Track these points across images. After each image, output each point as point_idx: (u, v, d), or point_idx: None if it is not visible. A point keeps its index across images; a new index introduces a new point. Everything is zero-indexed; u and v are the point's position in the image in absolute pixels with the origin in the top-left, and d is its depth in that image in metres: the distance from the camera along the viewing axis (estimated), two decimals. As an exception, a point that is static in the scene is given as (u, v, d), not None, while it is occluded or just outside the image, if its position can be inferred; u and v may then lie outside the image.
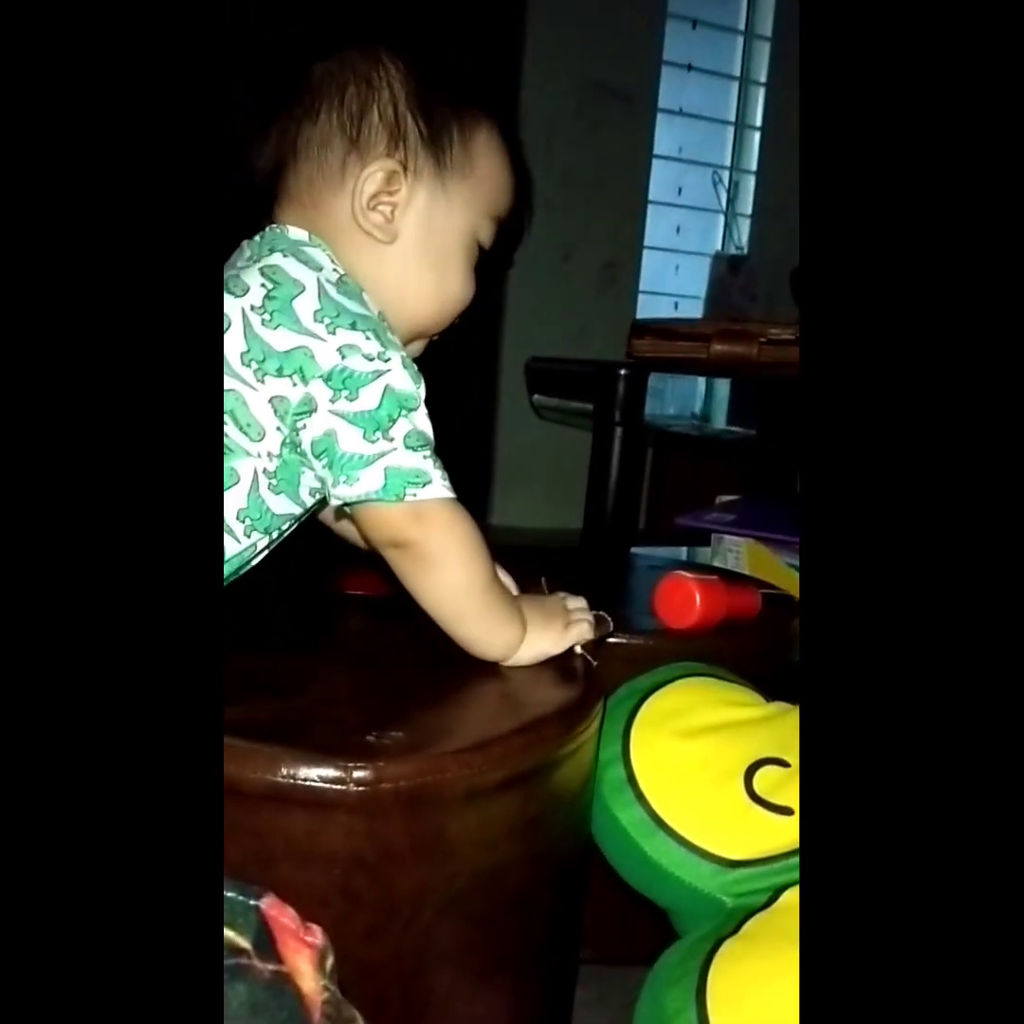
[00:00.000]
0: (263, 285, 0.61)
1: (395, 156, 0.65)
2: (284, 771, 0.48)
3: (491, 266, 0.73)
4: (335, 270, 0.64)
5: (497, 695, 0.60)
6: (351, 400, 0.59)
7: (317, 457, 0.60)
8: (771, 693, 0.71)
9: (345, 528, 0.74)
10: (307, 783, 0.48)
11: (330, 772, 0.48)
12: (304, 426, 0.60)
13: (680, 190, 2.46)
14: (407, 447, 0.59)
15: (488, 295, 0.74)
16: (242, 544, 0.63)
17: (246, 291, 0.61)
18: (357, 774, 0.48)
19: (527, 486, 2.15)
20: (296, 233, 0.65)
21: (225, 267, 0.64)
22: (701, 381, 1.35)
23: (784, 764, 0.63)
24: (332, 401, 0.59)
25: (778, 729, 0.66)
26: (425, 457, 0.60)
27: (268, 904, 0.35)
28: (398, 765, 0.49)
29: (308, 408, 0.59)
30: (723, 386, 1.40)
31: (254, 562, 0.67)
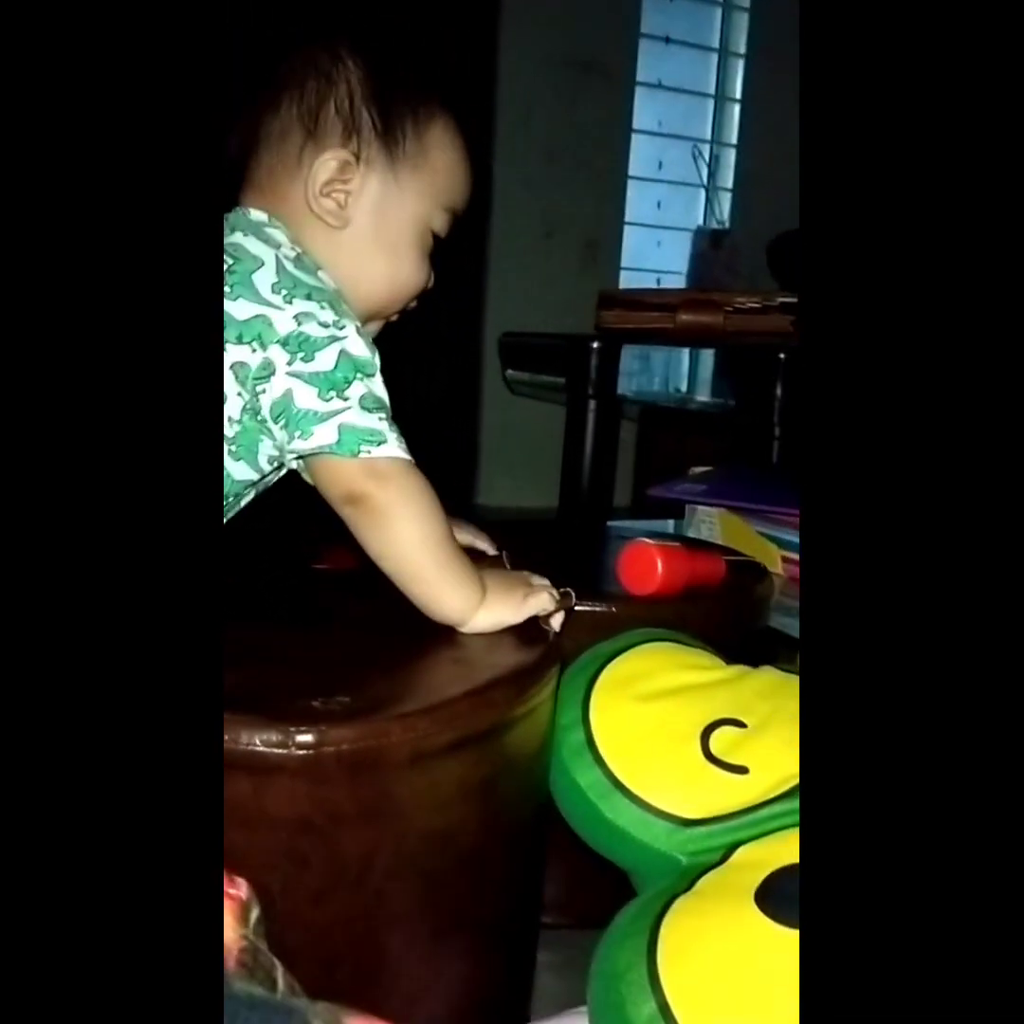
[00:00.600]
0: (226, 261, 0.64)
1: (349, 146, 0.68)
2: (227, 736, 0.48)
3: (447, 256, 0.75)
4: (293, 248, 0.68)
5: (450, 661, 0.60)
6: (306, 361, 0.61)
7: (275, 420, 0.62)
8: (735, 658, 0.71)
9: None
10: (249, 747, 0.48)
11: (272, 736, 0.49)
12: (263, 390, 0.62)
13: (660, 165, 2.45)
14: (362, 408, 0.61)
15: (469, 274, 0.75)
16: None
17: None
18: (299, 738, 0.49)
19: (513, 464, 2.15)
20: (257, 215, 0.69)
21: None
22: (685, 357, 1.35)
23: (740, 725, 0.63)
24: (289, 364, 0.61)
25: (736, 691, 0.66)
26: (381, 419, 0.62)
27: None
28: (341, 729, 0.49)
29: (267, 372, 0.62)
30: (708, 361, 1.40)
31: None
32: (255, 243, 0.66)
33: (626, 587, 0.80)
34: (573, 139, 2.27)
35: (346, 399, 0.61)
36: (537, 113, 2.22)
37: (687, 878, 0.56)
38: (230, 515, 0.71)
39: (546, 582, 0.69)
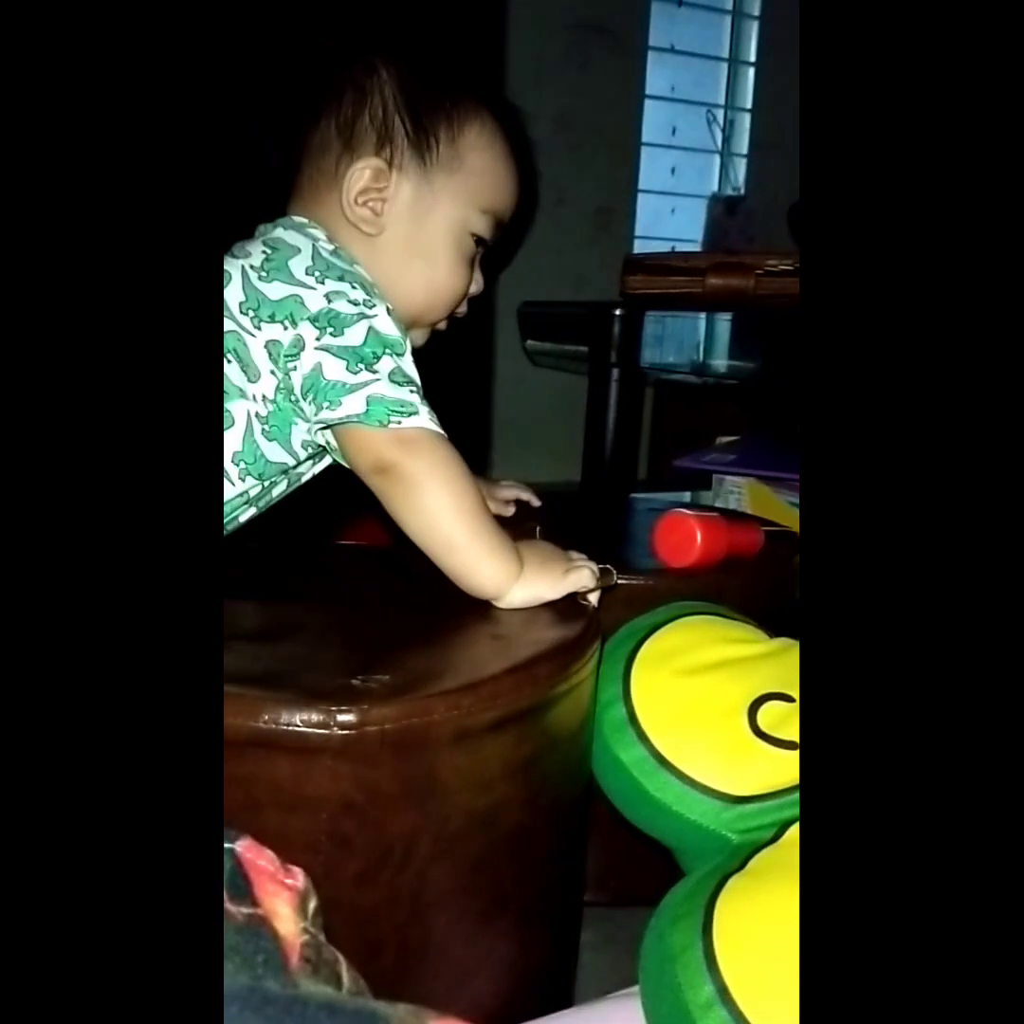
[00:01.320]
0: (263, 251, 0.66)
1: (382, 155, 0.69)
2: (266, 717, 0.47)
3: (491, 263, 0.75)
4: (331, 243, 0.69)
5: (489, 637, 0.59)
6: (335, 336, 0.61)
7: (305, 396, 0.62)
8: (775, 630, 0.69)
9: None
10: (290, 728, 0.47)
11: (313, 716, 0.47)
12: (294, 367, 0.62)
13: (674, 130, 2.40)
14: (392, 380, 0.61)
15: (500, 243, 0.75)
16: (236, 488, 0.65)
17: (248, 256, 0.66)
18: (341, 718, 0.47)
19: (526, 438, 2.12)
20: (299, 219, 0.71)
21: (235, 247, 0.69)
22: (701, 327, 1.32)
23: (789, 699, 0.61)
24: (318, 338, 0.62)
25: (782, 664, 0.64)
26: (411, 392, 0.61)
27: (244, 846, 0.33)
28: (383, 708, 0.48)
29: (297, 348, 0.62)
30: (723, 332, 1.37)
31: (242, 519, 0.69)
32: (294, 235, 0.67)
33: (663, 559, 0.78)
34: (584, 105, 2.22)
35: (375, 372, 0.61)
36: (546, 78, 2.17)
37: (739, 857, 0.55)
38: (262, 502, 0.69)
39: (585, 558, 0.67)
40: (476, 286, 0.75)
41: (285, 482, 0.70)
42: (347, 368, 0.60)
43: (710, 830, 0.58)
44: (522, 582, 0.63)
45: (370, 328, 0.62)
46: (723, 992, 0.48)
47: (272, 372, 0.63)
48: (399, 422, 0.60)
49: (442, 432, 0.61)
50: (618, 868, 0.74)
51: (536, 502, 0.88)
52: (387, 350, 0.62)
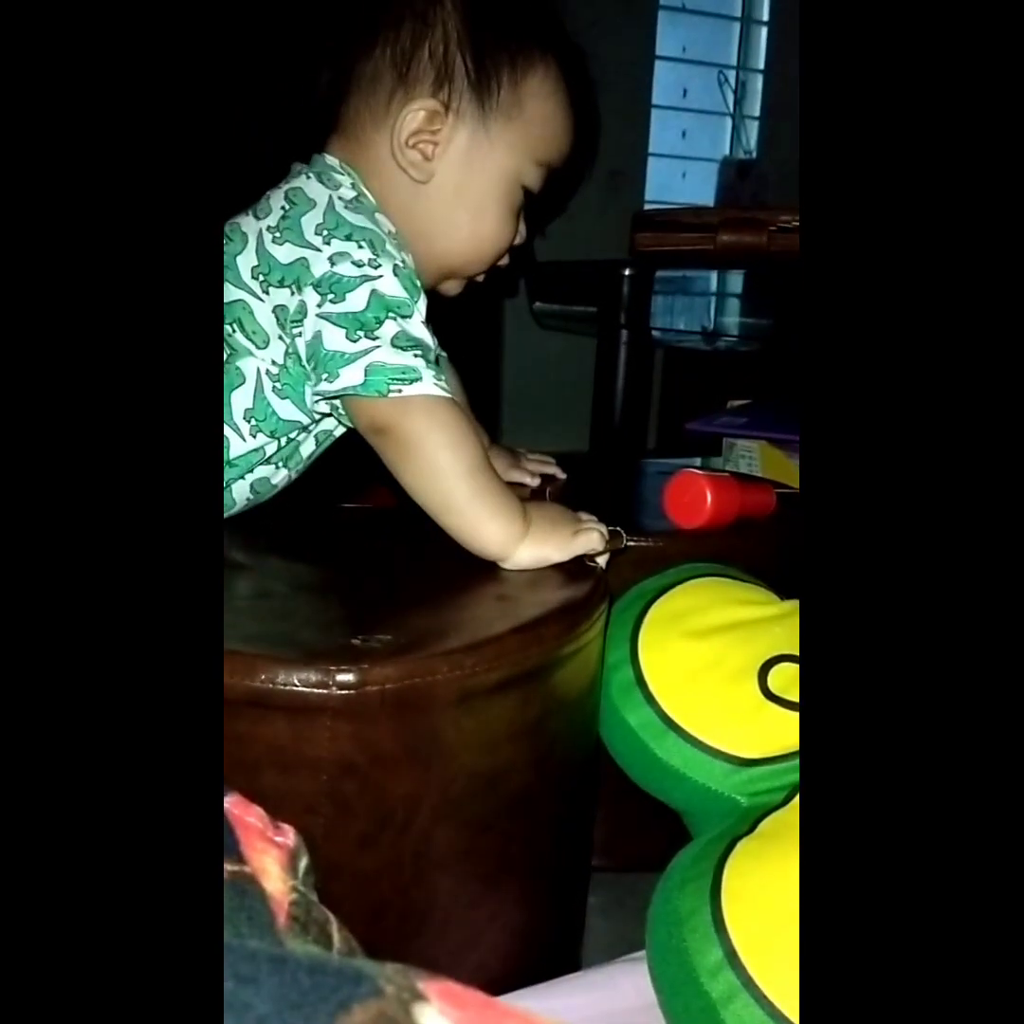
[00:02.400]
0: (282, 207, 0.64)
1: (439, 96, 0.65)
2: (263, 676, 0.46)
3: (543, 213, 0.70)
4: (352, 189, 0.66)
5: (494, 597, 0.57)
6: (336, 302, 0.59)
7: (309, 362, 0.61)
8: (786, 593, 0.68)
9: None
10: (288, 688, 0.46)
11: (312, 676, 0.46)
12: (299, 334, 0.61)
13: (685, 92, 2.36)
14: (394, 346, 0.59)
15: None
16: (248, 444, 0.65)
17: (268, 213, 0.64)
18: (340, 677, 0.46)
19: (536, 405, 2.10)
20: (330, 160, 0.68)
21: (263, 200, 0.67)
22: (712, 287, 1.30)
23: (799, 660, 0.60)
24: (319, 305, 0.60)
25: (793, 626, 0.63)
26: (416, 356, 0.59)
27: (232, 802, 0.32)
28: (384, 667, 0.47)
29: (301, 315, 0.61)
30: (735, 294, 1.34)
31: (275, 482, 0.69)
32: (314, 186, 0.65)
33: (673, 519, 0.76)
34: (593, 66, 2.19)
35: (375, 339, 0.58)
36: (556, 39, 2.14)
37: (749, 820, 0.54)
38: (292, 462, 0.69)
39: (595, 519, 0.66)
40: (520, 238, 0.72)
41: (312, 441, 0.69)
42: (347, 336, 0.58)
43: (719, 793, 0.57)
44: (528, 543, 0.61)
45: (373, 291, 0.59)
46: (732, 955, 0.47)
47: (279, 338, 0.62)
48: (400, 390, 0.58)
49: (446, 394, 0.59)
50: (626, 833, 0.73)
51: (562, 475, 0.87)
52: (390, 313, 0.59)
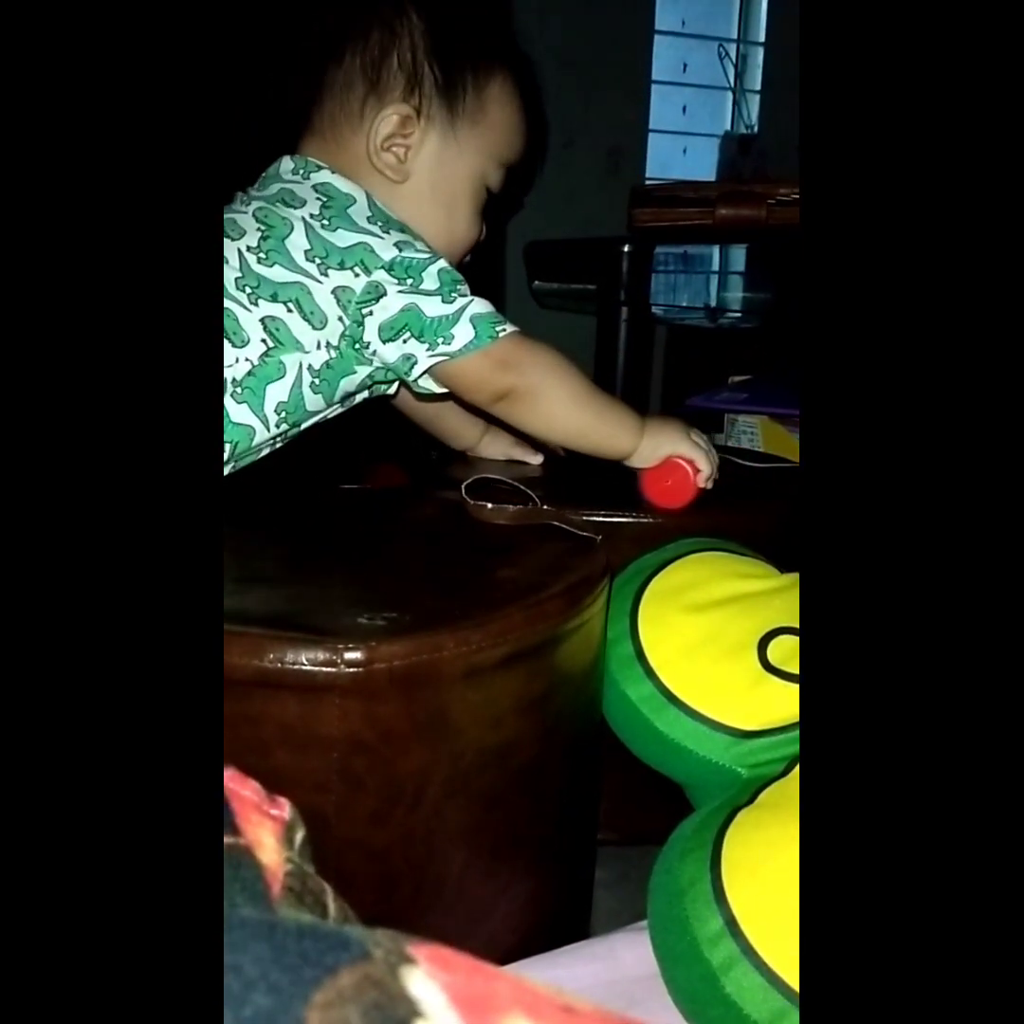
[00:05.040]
0: (318, 199, 0.67)
1: (410, 101, 0.69)
2: (271, 656, 0.47)
3: (501, 209, 0.78)
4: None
5: (498, 575, 0.58)
6: (417, 282, 0.65)
7: (394, 338, 0.65)
8: (786, 567, 0.68)
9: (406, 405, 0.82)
10: (296, 667, 0.47)
11: (319, 655, 0.47)
12: (370, 313, 0.64)
13: (685, 67, 2.35)
14: (480, 298, 0.66)
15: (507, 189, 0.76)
16: (270, 433, 0.67)
17: (303, 204, 0.67)
18: (348, 655, 0.47)
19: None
20: (313, 161, 0.71)
21: (266, 177, 0.71)
22: (714, 264, 1.30)
23: (799, 633, 0.61)
24: (400, 284, 0.64)
25: (792, 598, 0.64)
26: (492, 305, 0.67)
27: (228, 776, 0.33)
28: (391, 645, 0.47)
29: (373, 295, 0.64)
30: (737, 268, 1.34)
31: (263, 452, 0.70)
32: (343, 182, 0.68)
33: (654, 502, 0.75)
34: (592, 41, 2.17)
35: (465, 295, 0.65)
36: (553, 14, 2.12)
37: (749, 791, 0.55)
38: (284, 440, 0.70)
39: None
40: (483, 235, 0.76)
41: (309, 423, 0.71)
42: (443, 301, 0.64)
43: (720, 765, 0.58)
44: (648, 438, 0.71)
45: (441, 269, 0.66)
46: (732, 924, 0.48)
47: (340, 318, 0.65)
48: (504, 329, 0.65)
49: (520, 330, 0.67)
50: (629, 806, 0.74)
51: (562, 452, 0.86)
52: (457, 281, 0.66)
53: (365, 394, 0.73)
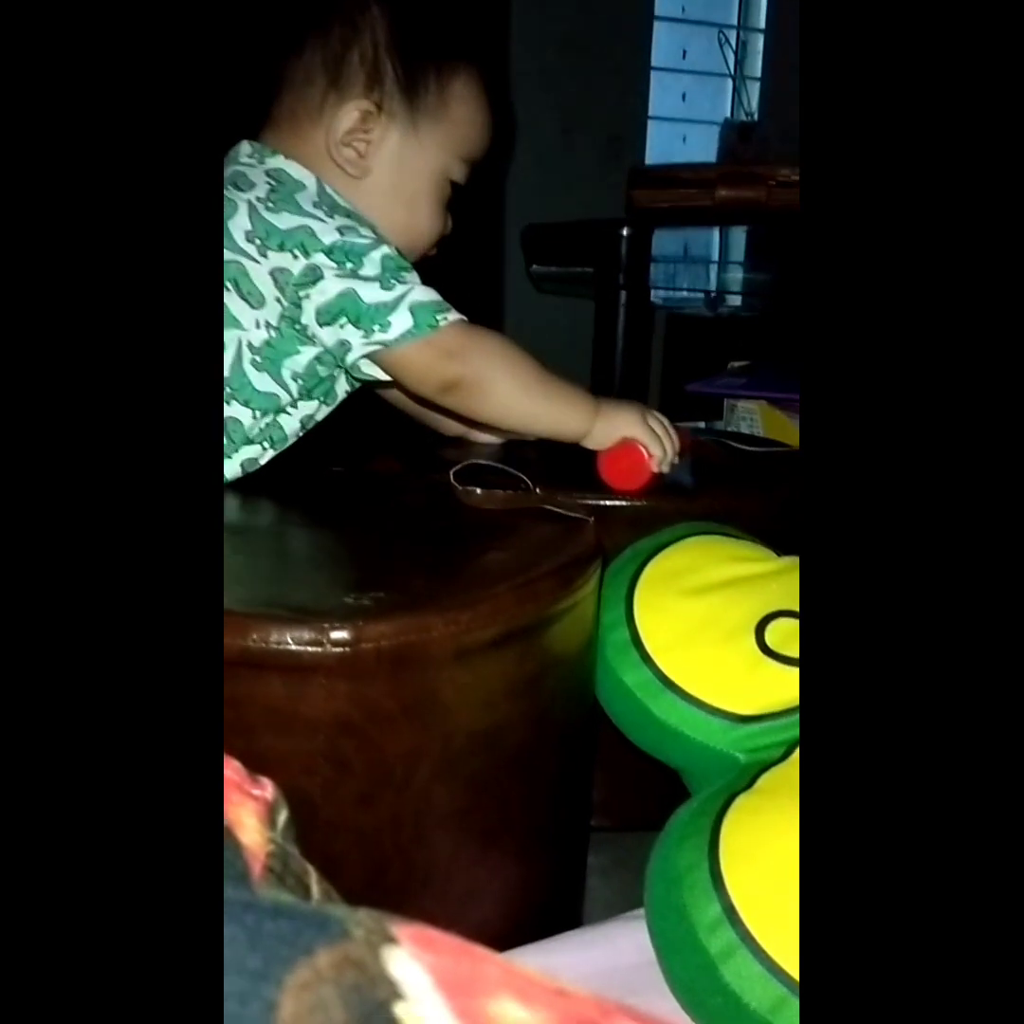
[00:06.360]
0: (268, 182, 0.66)
1: (371, 97, 0.69)
2: (255, 635, 0.45)
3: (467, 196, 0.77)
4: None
5: (488, 556, 0.57)
6: (357, 266, 0.64)
7: (330, 323, 0.64)
8: (784, 552, 0.67)
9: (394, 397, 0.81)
10: (281, 647, 0.45)
11: (305, 634, 0.45)
12: (306, 296, 0.63)
13: (685, 54, 2.34)
14: (422, 286, 0.65)
15: (488, 176, 0.75)
16: (223, 412, 0.66)
17: (252, 187, 0.66)
18: (335, 635, 0.46)
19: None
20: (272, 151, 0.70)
21: (225, 160, 0.70)
22: (714, 251, 1.29)
23: (798, 616, 0.60)
24: (339, 268, 0.63)
25: (790, 582, 0.63)
26: (437, 293, 0.65)
27: (209, 756, 0.32)
28: (379, 624, 0.46)
29: (311, 278, 0.63)
30: (737, 255, 1.33)
31: (261, 461, 0.70)
32: (297, 169, 0.67)
33: (611, 484, 0.72)
34: (592, 27, 2.16)
35: (406, 283, 0.64)
36: (553, 1, 2.10)
37: (747, 776, 0.53)
38: (277, 439, 0.70)
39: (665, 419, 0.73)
40: (447, 229, 0.76)
41: (296, 422, 0.70)
42: (381, 287, 0.63)
43: (718, 750, 0.57)
44: (602, 420, 0.70)
45: (384, 255, 0.64)
46: (730, 911, 0.47)
47: (277, 299, 0.64)
48: (446, 317, 0.63)
49: (465, 318, 0.65)
50: (625, 792, 0.73)
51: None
52: (401, 268, 0.65)
53: (346, 386, 0.71)
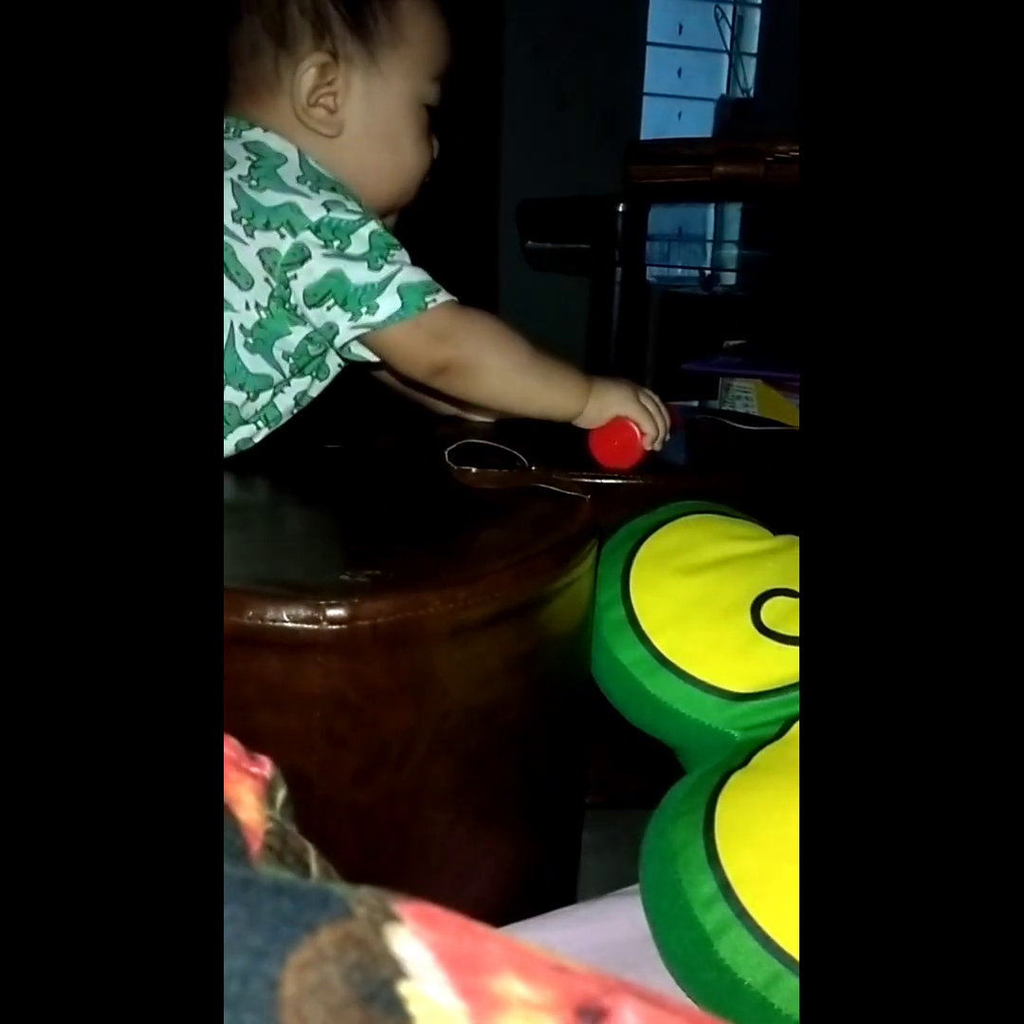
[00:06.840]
0: (248, 158, 0.64)
1: (323, 47, 0.66)
2: (251, 612, 0.45)
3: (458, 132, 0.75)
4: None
5: (484, 534, 0.57)
6: (344, 245, 0.62)
7: (318, 304, 0.62)
8: (780, 530, 0.67)
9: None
10: (277, 624, 0.45)
11: (301, 611, 0.45)
12: (294, 276, 0.62)
13: (681, 29, 2.31)
14: (411, 266, 0.63)
15: (482, 152, 0.74)
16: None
17: (233, 164, 0.64)
18: (331, 612, 0.45)
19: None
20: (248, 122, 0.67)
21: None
22: (709, 229, 1.28)
23: (793, 594, 0.60)
24: (325, 247, 0.62)
25: (786, 560, 0.63)
26: (424, 272, 0.64)
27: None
28: (375, 602, 0.46)
29: (299, 257, 0.62)
30: (732, 233, 1.32)
31: (255, 440, 0.69)
32: (276, 140, 0.66)
33: (601, 462, 0.72)
34: (586, 2, 2.14)
35: (395, 263, 0.62)
36: (548, -26, 2.08)
37: (743, 753, 0.54)
38: (272, 418, 0.69)
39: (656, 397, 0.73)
40: (435, 153, 0.73)
41: (290, 400, 0.69)
42: (369, 267, 0.61)
43: (713, 728, 0.57)
44: (593, 399, 0.69)
45: (372, 231, 0.63)
46: (725, 888, 0.47)
47: (266, 280, 0.63)
48: (435, 299, 0.62)
49: (456, 299, 0.64)
50: (620, 769, 0.73)
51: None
52: (390, 249, 0.63)
53: (338, 361, 0.70)
